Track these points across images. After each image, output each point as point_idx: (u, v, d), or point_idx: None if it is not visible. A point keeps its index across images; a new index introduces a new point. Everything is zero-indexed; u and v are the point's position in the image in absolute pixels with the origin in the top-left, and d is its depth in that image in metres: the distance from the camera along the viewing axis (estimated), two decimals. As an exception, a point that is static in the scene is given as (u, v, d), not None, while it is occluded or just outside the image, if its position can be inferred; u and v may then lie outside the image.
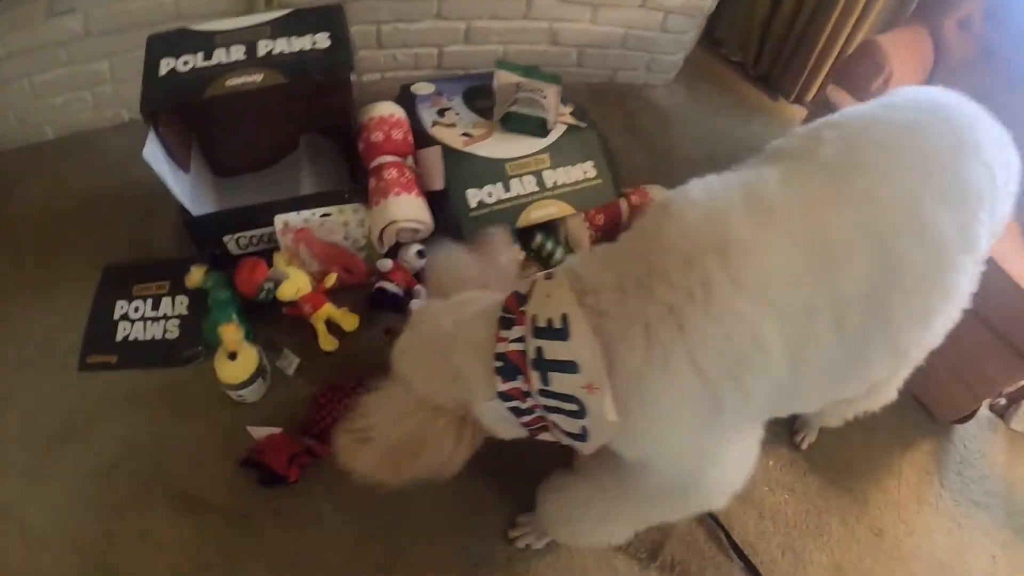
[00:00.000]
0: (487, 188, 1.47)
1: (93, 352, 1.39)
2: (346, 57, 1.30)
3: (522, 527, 1.20)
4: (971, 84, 1.40)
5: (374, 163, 1.41)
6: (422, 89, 1.62)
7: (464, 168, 1.45)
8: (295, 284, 1.36)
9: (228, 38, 1.29)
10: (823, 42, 2.00)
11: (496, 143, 1.52)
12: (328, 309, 1.38)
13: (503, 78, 1.63)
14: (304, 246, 1.41)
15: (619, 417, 0.72)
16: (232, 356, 1.27)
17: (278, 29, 1.33)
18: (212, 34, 1.30)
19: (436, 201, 1.45)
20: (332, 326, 1.41)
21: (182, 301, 1.47)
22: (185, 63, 1.25)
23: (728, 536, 1.26)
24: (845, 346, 0.73)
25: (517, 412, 0.79)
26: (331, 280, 1.39)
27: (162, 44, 1.29)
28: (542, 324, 0.72)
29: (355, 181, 1.48)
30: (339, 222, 1.42)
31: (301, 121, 1.59)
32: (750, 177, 0.76)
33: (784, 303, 0.68)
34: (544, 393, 0.74)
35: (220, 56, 1.26)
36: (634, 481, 0.90)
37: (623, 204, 1.66)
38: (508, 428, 0.84)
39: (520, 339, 0.74)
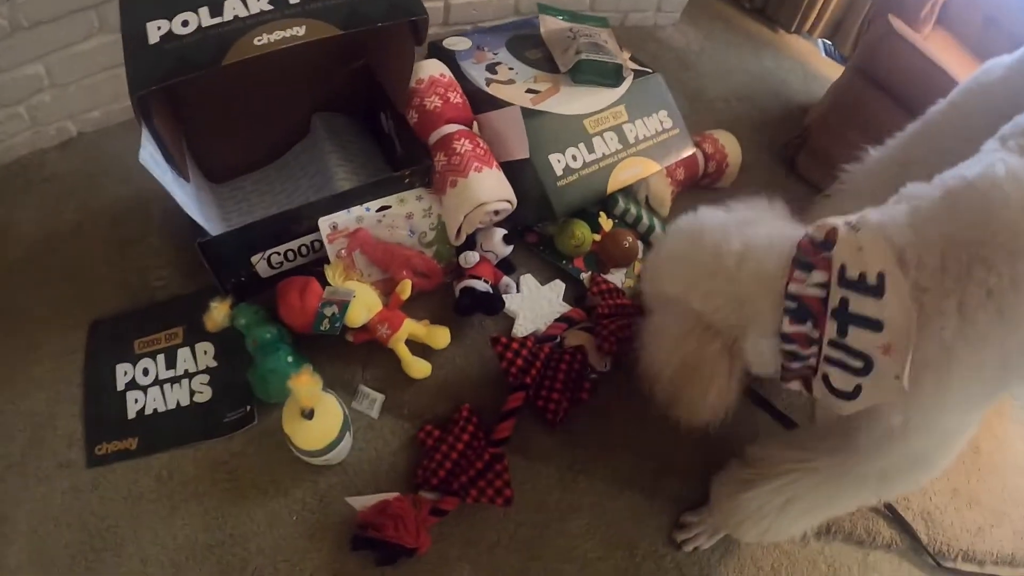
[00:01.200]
0: (570, 151, 1.23)
1: (102, 440, 1.06)
2: (412, -6, 1.00)
3: (691, 527, 1.05)
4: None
5: (436, 135, 1.12)
6: (458, 44, 1.34)
7: (541, 130, 1.20)
8: (364, 303, 1.06)
9: (241, -16, 0.96)
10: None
11: (567, 98, 1.27)
12: (409, 327, 1.09)
13: (550, 23, 1.38)
14: (361, 251, 1.10)
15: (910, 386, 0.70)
16: (308, 414, 0.95)
17: (310, -34, 1.00)
18: (216, -19, 0.97)
19: (510, 173, 1.18)
20: (414, 346, 1.11)
21: (206, 350, 1.14)
22: (184, 24, 0.93)
23: None
24: None
25: (791, 356, 0.77)
26: (406, 290, 1.10)
27: (144, 2, 0.95)
28: (852, 276, 0.70)
29: (394, 162, 1.18)
30: (401, 215, 1.12)
31: (311, 97, 1.28)
32: None
33: None
34: (834, 344, 0.73)
35: (235, 8, 0.94)
36: (862, 462, 0.85)
37: (699, 155, 1.46)
38: (767, 367, 0.82)
39: (822, 285, 0.72)
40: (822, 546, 1.11)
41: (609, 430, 1.13)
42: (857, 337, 0.71)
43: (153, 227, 1.25)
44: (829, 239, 0.74)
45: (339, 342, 1.11)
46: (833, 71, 1.93)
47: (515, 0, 1.66)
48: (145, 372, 1.12)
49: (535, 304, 1.20)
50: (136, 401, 1.09)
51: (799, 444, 0.94)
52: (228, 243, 1.05)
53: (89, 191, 1.33)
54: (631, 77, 1.34)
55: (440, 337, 1.11)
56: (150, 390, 1.10)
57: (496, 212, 1.14)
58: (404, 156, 1.18)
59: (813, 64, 2.05)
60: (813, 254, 0.74)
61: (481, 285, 1.13)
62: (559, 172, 1.20)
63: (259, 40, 0.91)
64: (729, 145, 1.51)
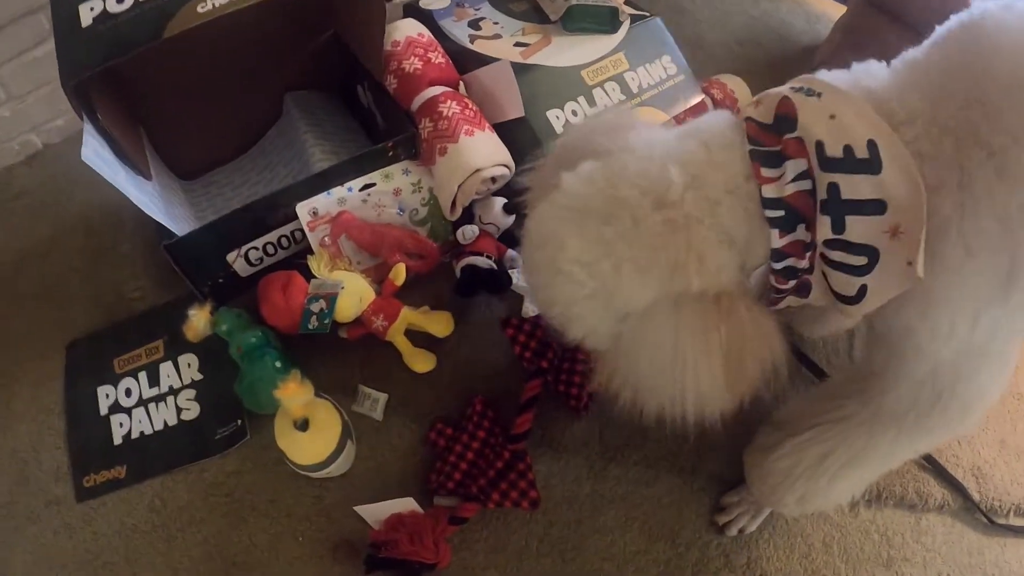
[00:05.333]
0: (569, 105, 1.10)
1: (89, 470, 0.97)
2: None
3: (732, 509, 0.94)
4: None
5: (418, 100, 1.00)
6: (435, 2, 1.21)
7: (535, 85, 1.08)
8: (355, 293, 0.94)
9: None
10: None
11: (559, 49, 1.14)
12: (407, 315, 0.97)
13: (533, -30, 1.24)
14: (346, 237, 0.98)
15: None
16: (302, 425, 0.83)
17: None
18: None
19: (504, 135, 1.05)
20: (416, 336, 0.99)
21: (189, 362, 1.04)
22: (119, 0, 0.80)
23: None
24: None
25: (787, 274, 0.61)
26: (400, 275, 0.98)
27: (75, -19, 0.83)
28: (835, 154, 0.55)
29: (376, 138, 1.04)
30: (388, 192, 1.00)
31: (281, 76, 1.17)
32: None
33: None
34: (832, 244, 0.57)
35: (171, -21, 0.82)
36: (893, 397, 0.70)
37: (708, 102, 1.31)
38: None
39: (802, 176, 0.56)
40: (873, 514, 1.00)
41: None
42: (857, 227, 0.56)
43: (125, 234, 1.15)
44: (785, 114, 0.58)
45: (333, 340, 0.99)
46: (835, 10, 1.76)
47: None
48: (128, 393, 1.02)
49: (546, 278, 1.06)
50: (121, 425, 1.00)
51: (829, 394, 0.82)
52: (199, 242, 0.94)
53: (60, 204, 1.24)
54: (628, 22, 1.19)
55: (442, 324, 0.99)
56: (134, 412, 1.01)
57: (493, 179, 1.01)
58: (387, 130, 1.06)
59: (813, 4, 1.88)
60: (772, 140, 0.58)
61: (483, 262, 1.01)
62: (559, 129, 1.07)
63: (202, 7, 0.79)
64: (739, 90, 1.37)
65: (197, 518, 0.92)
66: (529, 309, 1.04)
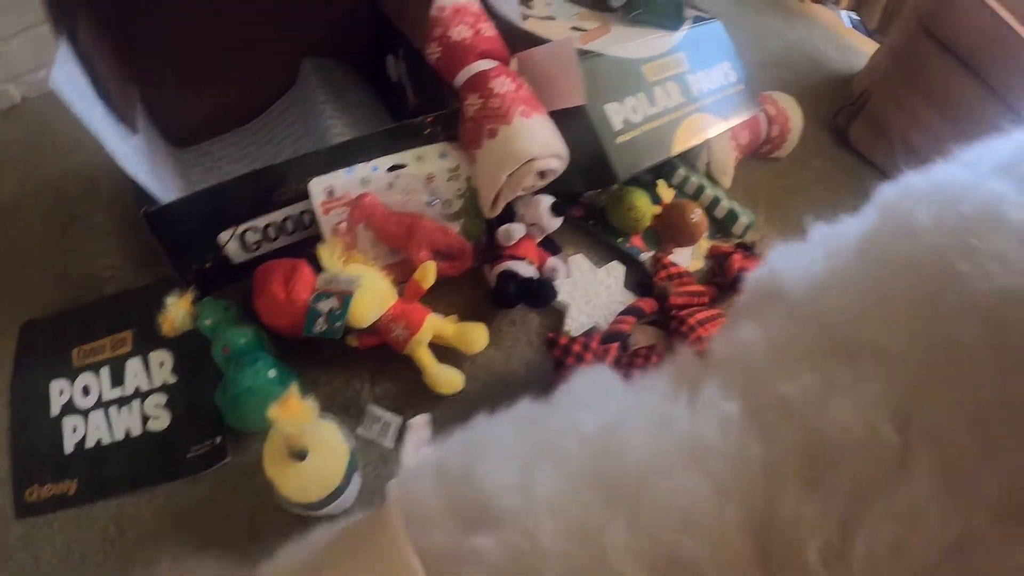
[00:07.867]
0: (629, 101, 0.90)
1: (33, 481, 0.74)
2: None
3: None
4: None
5: (466, 73, 0.78)
6: (485, -23, 0.99)
7: (594, 74, 0.87)
8: (374, 294, 0.72)
9: None
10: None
11: (618, 39, 0.95)
12: (435, 325, 0.75)
13: (590, -49, 1.03)
14: (367, 225, 0.75)
15: None
16: (300, 453, 0.60)
17: None
18: None
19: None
20: (437, 351, 0.77)
21: (162, 361, 0.80)
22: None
23: None
24: None
25: None
26: (429, 276, 0.76)
27: None
28: None
29: (404, 117, 0.82)
30: (419, 176, 0.78)
31: (297, 41, 0.94)
32: None
33: None
34: None
35: None
36: None
37: (762, 117, 1.12)
38: None
39: None
40: None
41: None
42: None
43: (100, 203, 0.92)
44: None
45: (339, 347, 0.77)
46: (865, 44, 1.61)
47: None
48: (85, 391, 0.78)
49: (589, 292, 0.85)
50: (75, 430, 0.77)
51: None
52: (187, 213, 0.71)
53: (30, 164, 1.01)
54: (689, 22, 0.99)
55: (475, 337, 0.77)
56: (92, 415, 0.77)
57: (542, 174, 0.79)
58: (419, 106, 0.84)
59: (844, 36, 1.73)
60: None
61: (525, 268, 0.80)
62: (618, 126, 0.87)
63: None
64: (790, 108, 1.19)
65: (161, 553, 0.69)
66: (573, 325, 0.82)
